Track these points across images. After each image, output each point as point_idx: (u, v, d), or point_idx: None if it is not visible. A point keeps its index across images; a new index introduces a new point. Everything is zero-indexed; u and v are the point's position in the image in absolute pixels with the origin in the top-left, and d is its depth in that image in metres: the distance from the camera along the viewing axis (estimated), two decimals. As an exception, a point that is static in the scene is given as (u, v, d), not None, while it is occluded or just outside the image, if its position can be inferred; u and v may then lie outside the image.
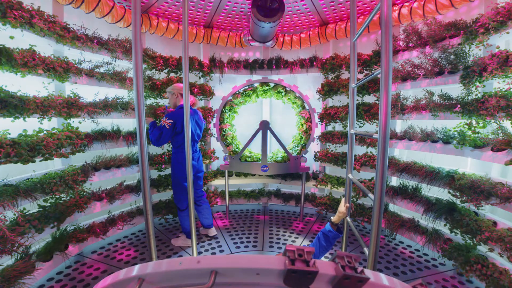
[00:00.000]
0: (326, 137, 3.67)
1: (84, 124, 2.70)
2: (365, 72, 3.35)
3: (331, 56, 3.55)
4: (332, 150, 3.68)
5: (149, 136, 2.75)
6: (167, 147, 3.64)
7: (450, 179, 2.37)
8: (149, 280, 0.68)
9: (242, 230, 3.31)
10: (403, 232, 2.84)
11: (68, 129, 2.48)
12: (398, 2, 2.96)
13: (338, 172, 3.84)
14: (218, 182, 3.90)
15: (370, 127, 3.53)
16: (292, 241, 3.04)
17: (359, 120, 3.29)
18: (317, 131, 3.78)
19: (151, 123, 2.77)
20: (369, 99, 3.44)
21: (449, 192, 2.38)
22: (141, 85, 1.53)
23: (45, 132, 2.24)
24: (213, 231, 3.14)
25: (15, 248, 1.88)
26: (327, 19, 3.51)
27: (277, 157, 3.69)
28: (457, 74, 2.39)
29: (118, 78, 2.93)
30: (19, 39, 2.19)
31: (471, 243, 2.24)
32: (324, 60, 3.65)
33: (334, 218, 1.76)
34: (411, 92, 3.26)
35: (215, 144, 4.02)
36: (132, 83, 3.07)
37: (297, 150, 3.65)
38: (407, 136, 2.82)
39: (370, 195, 1.49)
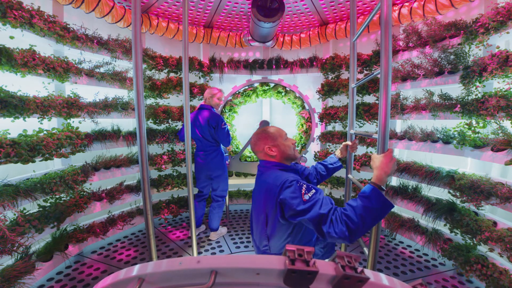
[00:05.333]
0: (326, 137, 3.67)
1: (84, 124, 2.70)
2: (365, 72, 3.35)
3: (331, 56, 3.55)
4: (332, 150, 3.67)
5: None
6: (167, 147, 3.64)
7: (450, 179, 2.37)
8: (149, 280, 0.68)
9: (242, 230, 3.31)
10: (403, 232, 2.84)
11: (68, 129, 2.48)
12: (398, 2, 2.96)
13: (338, 172, 3.83)
14: (218, 182, 3.90)
15: (370, 127, 3.53)
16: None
17: (359, 120, 3.29)
18: (317, 131, 3.78)
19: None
20: (369, 99, 3.44)
21: (449, 192, 2.38)
22: (141, 85, 1.53)
23: (45, 132, 2.24)
24: (212, 236, 3.09)
25: (15, 248, 1.88)
26: (327, 19, 3.51)
27: (277, 157, 3.68)
28: (457, 74, 2.39)
29: (118, 78, 2.93)
30: (19, 39, 2.19)
31: (471, 243, 2.24)
32: (324, 60, 3.65)
33: (337, 152, 1.90)
34: (411, 92, 3.26)
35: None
36: (132, 83, 3.07)
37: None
38: (407, 136, 2.82)
39: (370, 195, 1.49)
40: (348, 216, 1.10)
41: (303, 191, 1.22)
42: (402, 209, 3.05)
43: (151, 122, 3.42)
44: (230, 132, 3.86)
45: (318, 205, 1.17)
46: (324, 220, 1.14)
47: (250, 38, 3.57)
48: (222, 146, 3.09)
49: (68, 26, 2.49)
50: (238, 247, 2.90)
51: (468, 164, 2.75)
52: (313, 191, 1.23)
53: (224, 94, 3.21)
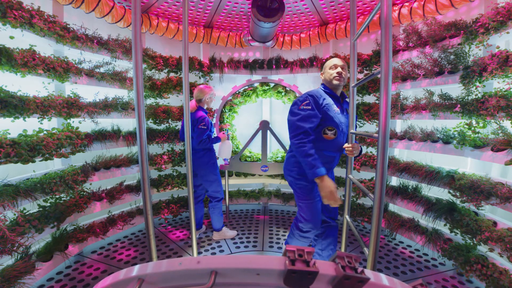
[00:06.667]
0: (326, 137, 3.66)
1: (84, 124, 2.70)
2: (365, 72, 3.35)
3: (331, 56, 3.55)
4: (332, 150, 3.67)
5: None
6: (167, 147, 3.64)
7: (450, 179, 2.37)
8: (149, 281, 0.68)
9: (242, 230, 3.31)
10: (403, 232, 2.84)
11: (68, 129, 2.48)
12: (398, 2, 2.96)
13: (338, 172, 3.83)
14: (218, 182, 3.90)
15: (370, 127, 3.53)
16: (292, 241, 3.03)
17: (359, 120, 3.29)
18: (317, 131, 3.78)
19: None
20: (369, 99, 3.44)
21: (449, 192, 2.38)
22: (141, 85, 1.53)
23: (45, 132, 2.24)
24: (214, 236, 3.08)
25: (15, 248, 1.88)
26: (327, 19, 3.51)
27: (277, 157, 3.69)
28: (457, 74, 2.39)
29: (118, 78, 2.93)
30: (19, 39, 2.19)
31: (471, 243, 2.24)
32: (324, 60, 3.65)
33: None
34: (411, 92, 3.26)
35: (215, 144, 4.01)
36: (132, 83, 3.07)
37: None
38: (407, 136, 2.82)
39: (370, 195, 1.49)
40: (304, 145, 1.67)
41: (304, 103, 1.72)
42: (402, 209, 3.05)
43: (151, 122, 3.42)
44: (230, 132, 3.84)
45: (299, 117, 1.70)
46: (294, 131, 1.71)
47: (250, 38, 3.57)
48: (215, 146, 3.05)
49: (68, 26, 2.49)
50: (238, 247, 2.90)
51: (468, 164, 2.75)
52: (309, 108, 1.71)
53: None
